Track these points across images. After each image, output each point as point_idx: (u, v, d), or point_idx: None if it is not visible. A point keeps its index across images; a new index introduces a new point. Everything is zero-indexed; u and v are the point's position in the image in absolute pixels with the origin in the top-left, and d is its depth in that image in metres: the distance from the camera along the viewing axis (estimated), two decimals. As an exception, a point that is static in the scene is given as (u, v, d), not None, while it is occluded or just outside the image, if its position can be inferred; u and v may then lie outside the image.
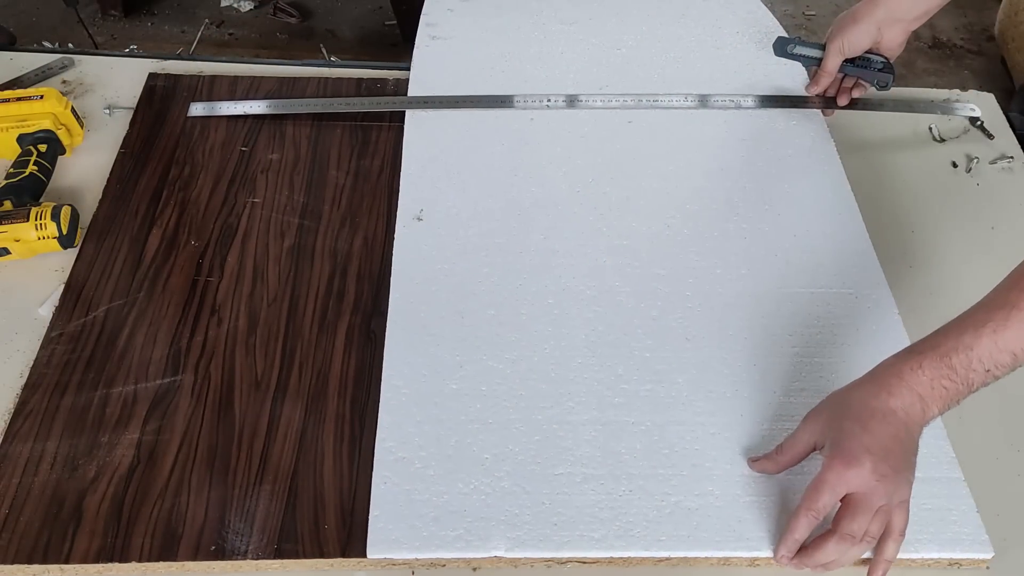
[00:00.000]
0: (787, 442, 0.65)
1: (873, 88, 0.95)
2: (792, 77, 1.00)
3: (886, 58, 0.92)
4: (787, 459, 0.65)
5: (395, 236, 0.81)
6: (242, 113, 0.93)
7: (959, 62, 2.18)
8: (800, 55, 0.97)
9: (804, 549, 0.61)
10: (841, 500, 0.61)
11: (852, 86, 0.96)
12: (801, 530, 0.61)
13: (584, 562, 0.63)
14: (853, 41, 0.91)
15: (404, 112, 0.93)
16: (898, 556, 0.62)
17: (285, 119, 0.93)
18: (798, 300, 0.78)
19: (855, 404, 0.62)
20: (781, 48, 0.98)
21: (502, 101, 0.95)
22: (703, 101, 0.96)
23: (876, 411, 0.61)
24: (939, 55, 2.18)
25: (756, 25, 1.07)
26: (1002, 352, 0.59)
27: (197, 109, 0.93)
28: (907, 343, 0.74)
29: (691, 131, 0.93)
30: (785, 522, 0.62)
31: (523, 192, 0.86)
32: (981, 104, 1.01)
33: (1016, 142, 0.98)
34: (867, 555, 0.62)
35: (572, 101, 0.95)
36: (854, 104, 0.96)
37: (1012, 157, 0.96)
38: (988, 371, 0.60)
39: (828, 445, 0.62)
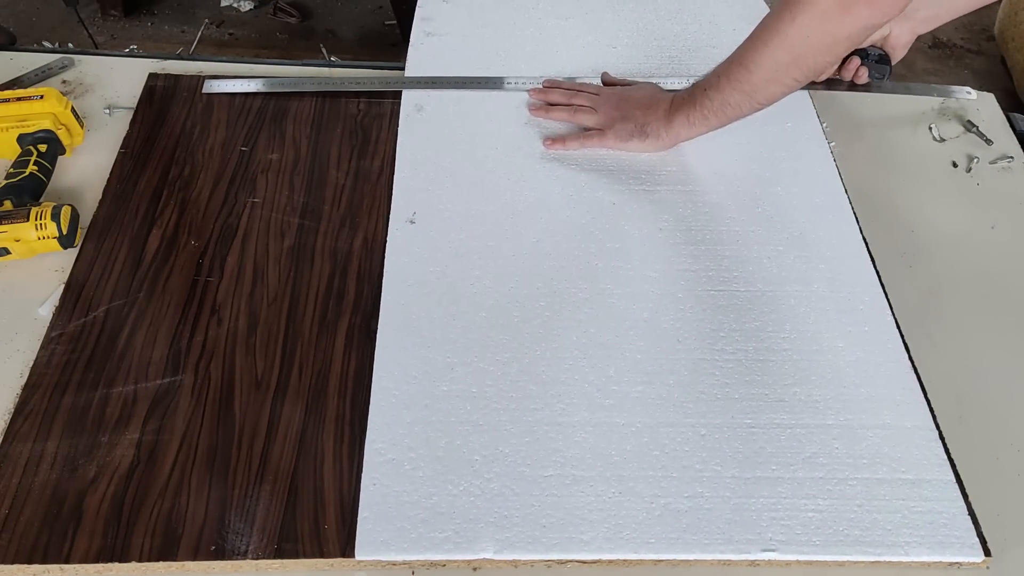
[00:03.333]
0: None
1: (868, 79, 0.96)
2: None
3: (883, 50, 0.93)
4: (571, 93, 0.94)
5: (387, 239, 0.81)
6: (252, 90, 0.96)
7: (959, 62, 2.18)
8: None
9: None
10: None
11: (858, 68, 0.97)
12: (554, 95, 0.93)
13: (585, 562, 0.63)
14: None
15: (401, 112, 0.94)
16: (889, 559, 0.63)
17: (285, 119, 0.93)
18: (790, 302, 0.78)
19: (645, 88, 0.93)
20: None
21: (499, 83, 0.97)
22: None
23: (645, 94, 0.91)
24: (939, 55, 2.18)
25: (754, 21, 1.06)
26: (710, 85, 0.82)
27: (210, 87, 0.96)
28: (900, 344, 0.76)
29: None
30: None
31: (516, 196, 0.86)
32: (981, 104, 1.02)
33: (1016, 142, 0.98)
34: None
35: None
36: (860, 87, 0.97)
37: (1012, 157, 0.96)
38: (704, 90, 0.83)
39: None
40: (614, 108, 0.90)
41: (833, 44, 0.74)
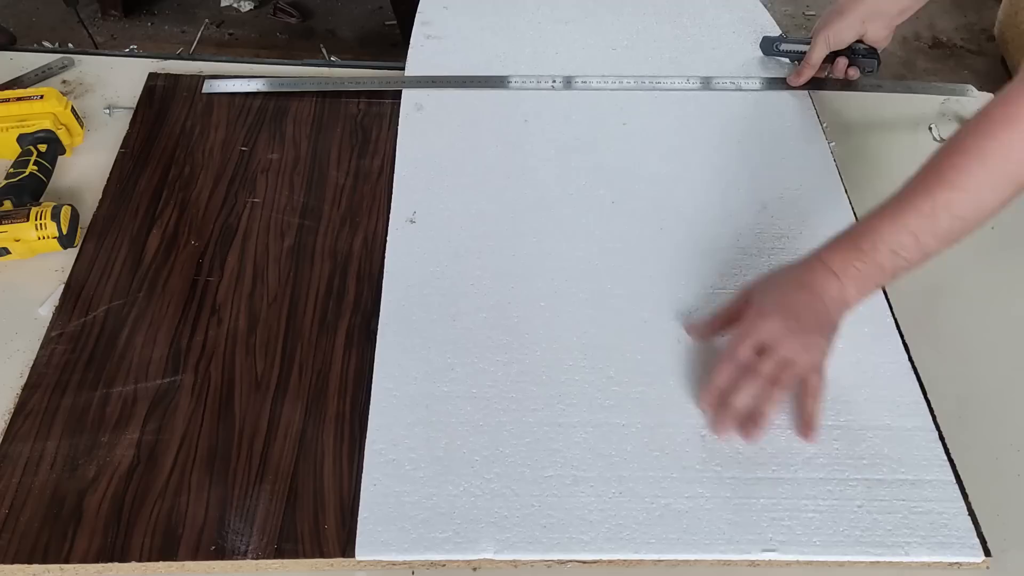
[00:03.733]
0: (720, 308, 0.72)
1: (860, 74, 0.98)
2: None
3: (869, 46, 0.94)
4: (717, 323, 0.72)
5: (387, 238, 0.81)
6: (252, 90, 0.95)
7: (959, 62, 2.18)
8: (788, 52, 0.99)
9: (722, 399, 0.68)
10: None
11: (847, 66, 0.97)
12: (721, 376, 0.68)
13: (585, 562, 0.63)
14: (839, 34, 0.94)
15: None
16: (889, 559, 0.63)
17: (285, 119, 0.93)
18: (791, 303, 0.78)
19: (780, 277, 0.70)
20: (769, 47, 1.01)
21: (499, 82, 0.96)
22: (705, 83, 0.97)
23: (793, 281, 0.69)
24: (939, 55, 2.18)
25: (753, 24, 1.07)
26: (900, 232, 0.64)
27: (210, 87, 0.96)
28: (899, 345, 0.76)
29: (685, 134, 0.93)
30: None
31: (516, 195, 0.86)
32: (981, 104, 1.01)
33: (1016, 142, 0.98)
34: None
35: (569, 82, 0.97)
36: (854, 85, 0.98)
37: (1012, 157, 0.96)
38: (893, 251, 0.65)
39: (750, 307, 0.69)
40: (801, 348, 0.66)
41: None
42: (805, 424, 0.67)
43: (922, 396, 0.72)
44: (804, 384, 0.67)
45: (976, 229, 0.65)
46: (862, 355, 0.74)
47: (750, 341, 0.67)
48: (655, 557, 0.63)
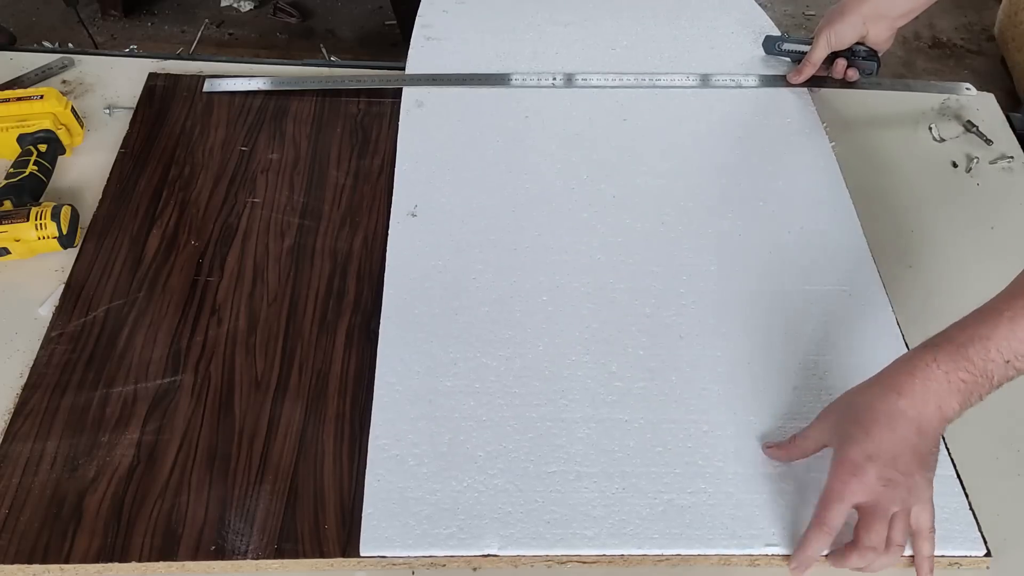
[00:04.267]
0: (799, 436, 0.66)
1: (859, 76, 0.97)
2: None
3: (870, 48, 0.94)
4: (796, 452, 0.66)
5: (389, 232, 0.81)
6: (253, 88, 0.95)
7: (959, 62, 2.18)
8: (790, 51, 0.99)
9: (831, 557, 0.62)
10: (857, 509, 0.60)
11: (847, 67, 0.97)
12: (813, 546, 0.60)
13: (584, 561, 0.63)
14: (840, 34, 0.94)
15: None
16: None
17: (285, 118, 0.93)
18: (792, 298, 0.78)
19: (861, 407, 0.61)
20: (771, 46, 1.01)
21: (500, 79, 0.96)
22: (705, 80, 0.97)
23: (881, 414, 0.59)
24: (939, 55, 2.18)
25: (751, 25, 1.07)
26: (1021, 341, 0.58)
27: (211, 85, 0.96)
28: (901, 340, 0.76)
29: (686, 129, 0.93)
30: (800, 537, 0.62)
31: (517, 189, 0.86)
32: (981, 104, 1.02)
33: (1016, 142, 0.98)
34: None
35: (570, 79, 0.97)
36: (853, 84, 0.98)
37: (1012, 157, 0.96)
38: (1008, 362, 0.58)
39: (834, 451, 0.62)
40: (906, 495, 0.60)
41: None
42: (921, 567, 0.61)
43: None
44: (916, 525, 0.61)
45: None
46: (864, 352, 0.74)
47: (842, 506, 0.59)
48: (658, 552, 0.63)
